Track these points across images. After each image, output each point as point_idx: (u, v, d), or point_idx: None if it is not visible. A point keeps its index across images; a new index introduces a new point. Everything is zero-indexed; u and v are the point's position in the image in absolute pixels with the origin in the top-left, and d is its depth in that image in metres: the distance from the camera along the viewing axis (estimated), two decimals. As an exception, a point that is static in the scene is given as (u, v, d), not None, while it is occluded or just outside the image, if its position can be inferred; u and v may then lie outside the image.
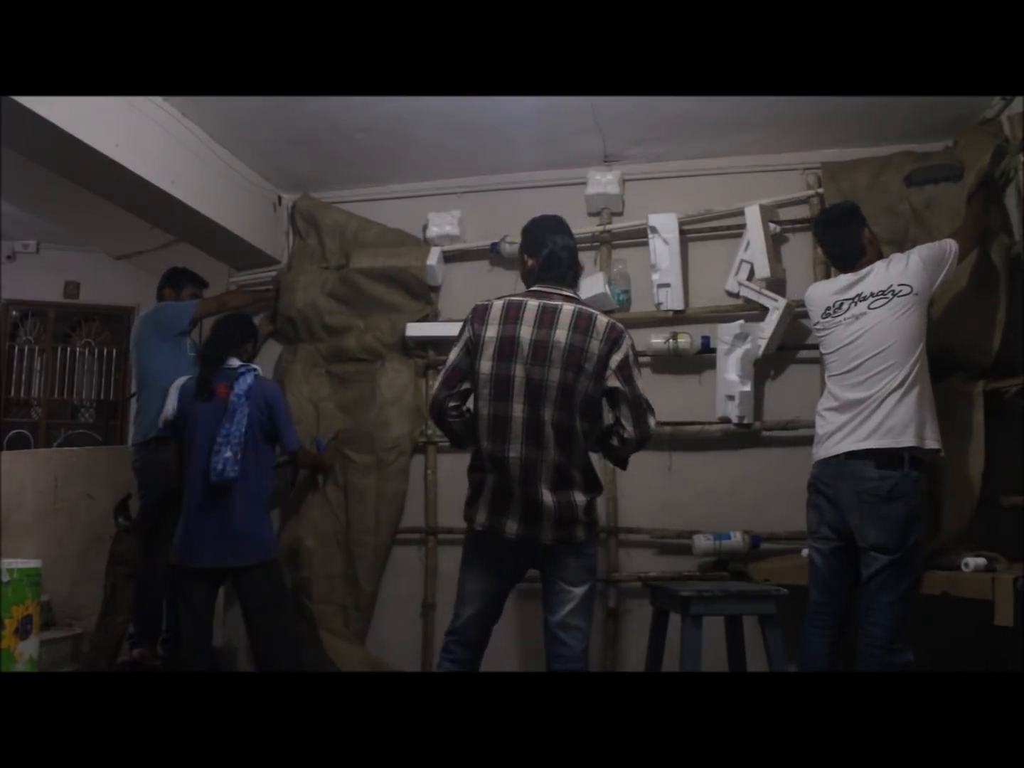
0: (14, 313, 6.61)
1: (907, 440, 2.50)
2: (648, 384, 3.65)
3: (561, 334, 2.28)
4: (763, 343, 3.38)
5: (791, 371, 3.49)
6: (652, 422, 2.35)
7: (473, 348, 2.34)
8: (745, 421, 3.41)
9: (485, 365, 2.30)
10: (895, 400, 2.53)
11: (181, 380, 3.23)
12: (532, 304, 2.33)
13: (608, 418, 2.44)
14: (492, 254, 3.83)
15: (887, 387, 2.55)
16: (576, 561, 2.34)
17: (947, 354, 2.96)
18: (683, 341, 3.52)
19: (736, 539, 3.33)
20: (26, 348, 6.61)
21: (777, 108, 3.22)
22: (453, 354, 2.39)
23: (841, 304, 2.71)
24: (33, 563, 2.89)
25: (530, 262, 2.48)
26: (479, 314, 2.37)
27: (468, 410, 2.42)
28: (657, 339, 3.55)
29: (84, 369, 6.66)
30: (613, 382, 2.30)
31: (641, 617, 3.30)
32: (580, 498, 2.31)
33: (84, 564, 4.10)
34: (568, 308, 2.32)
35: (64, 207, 4.22)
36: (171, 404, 3.19)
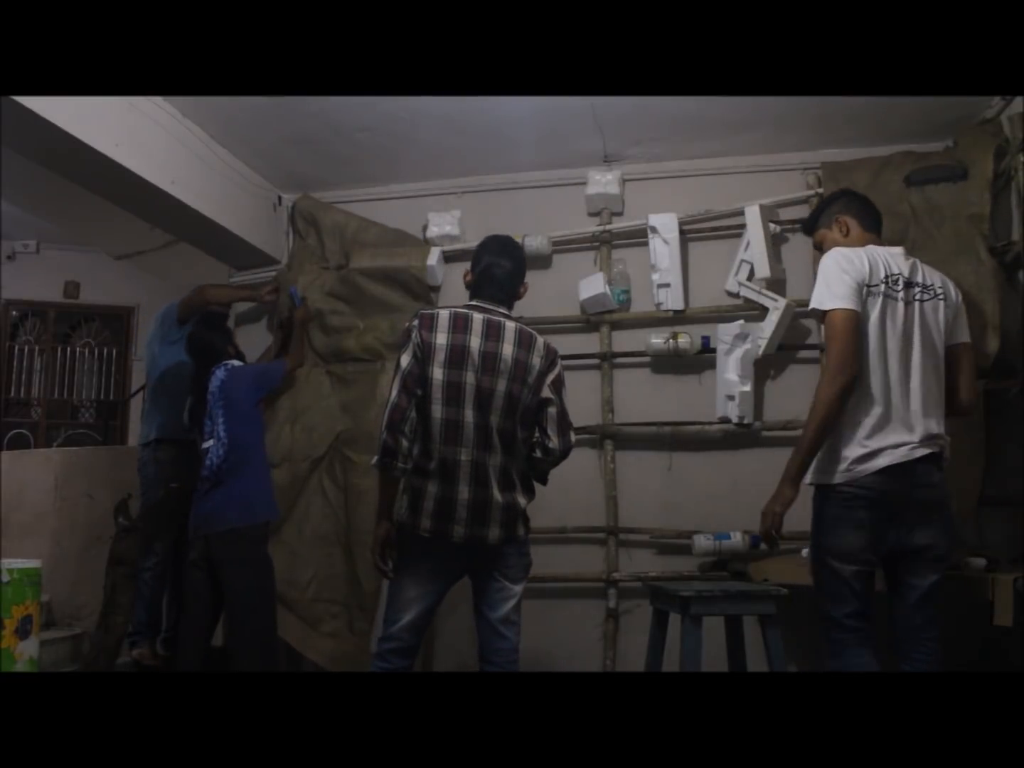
0: (14, 313, 6.62)
1: (945, 443, 2.33)
2: (648, 384, 3.73)
3: (508, 348, 2.41)
4: (763, 343, 3.39)
5: (791, 371, 3.49)
6: (572, 438, 2.50)
7: (422, 354, 2.40)
8: (745, 421, 3.42)
9: (437, 371, 2.38)
10: (936, 400, 2.33)
11: None
12: (477, 317, 2.44)
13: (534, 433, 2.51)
14: (492, 254, 3.83)
15: (931, 386, 2.32)
16: (519, 560, 2.47)
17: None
18: (683, 341, 3.52)
19: (736, 539, 3.33)
20: (26, 348, 6.62)
21: (777, 108, 3.22)
22: (405, 359, 2.42)
23: (897, 280, 2.33)
24: (33, 563, 2.88)
25: (468, 276, 2.60)
26: (427, 322, 2.43)
27: (414, 418, 2.40)
28: (657, 339, 3.56)
29: (84, 369, 6.68)
30: (547, 393, 2.45)
31: (641, 617, 3.29)
32: (522, 500, 2.45)
33: (84, 564, 4.09)
34: (511, 325, 2.46)
35: (64, 207, 4.22)
36: None
